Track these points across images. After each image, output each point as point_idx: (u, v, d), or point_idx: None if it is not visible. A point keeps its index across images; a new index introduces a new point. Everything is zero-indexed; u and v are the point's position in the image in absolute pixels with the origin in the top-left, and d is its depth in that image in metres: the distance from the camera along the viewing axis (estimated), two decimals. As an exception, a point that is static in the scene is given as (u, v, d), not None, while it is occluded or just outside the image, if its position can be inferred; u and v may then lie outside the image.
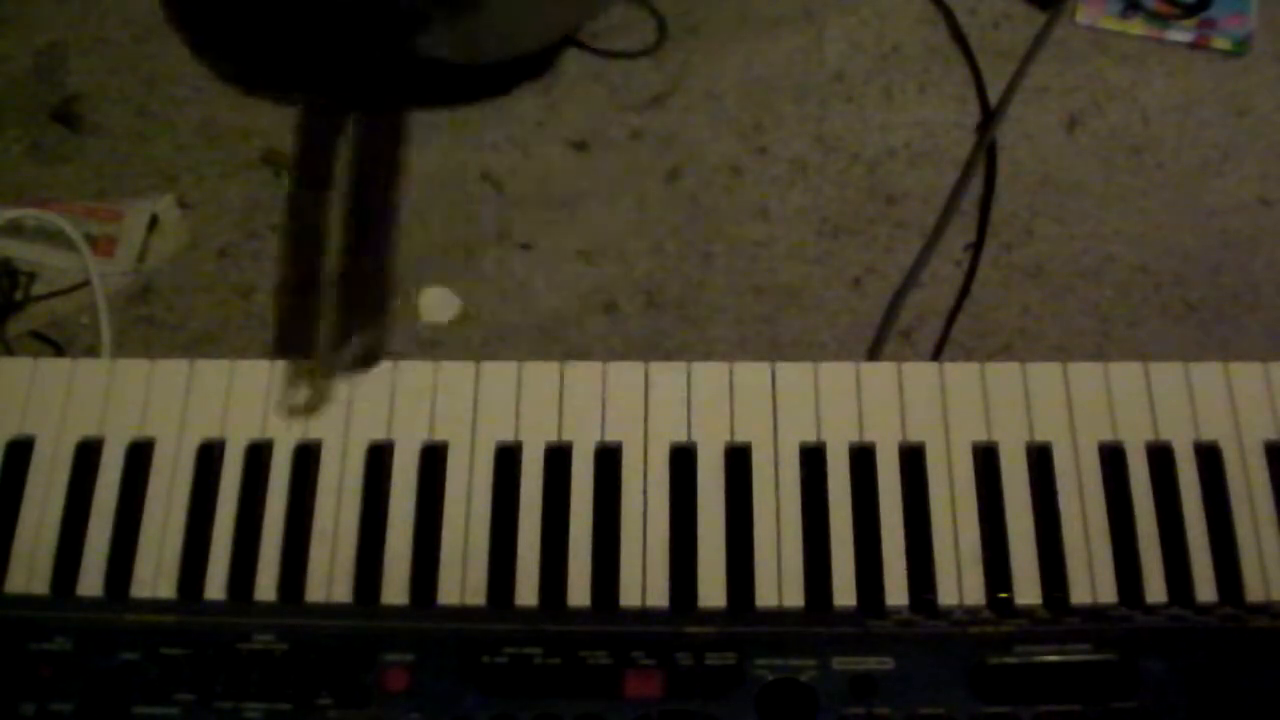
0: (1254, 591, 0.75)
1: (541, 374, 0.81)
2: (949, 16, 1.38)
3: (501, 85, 1.35)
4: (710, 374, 0.81)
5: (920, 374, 0.81)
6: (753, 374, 0.81)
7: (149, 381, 0.81)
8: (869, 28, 1.38)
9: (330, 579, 0.76)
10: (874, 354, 1.20)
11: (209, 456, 0.79)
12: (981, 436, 0.79)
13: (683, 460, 0.79)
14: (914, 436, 0.79)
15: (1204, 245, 1.25)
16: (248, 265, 1.27)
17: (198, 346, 1.23)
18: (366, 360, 0.81)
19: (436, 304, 1.26)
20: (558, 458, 0.79)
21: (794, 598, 0.75)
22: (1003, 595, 0.75)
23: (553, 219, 1.29)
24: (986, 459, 0.78)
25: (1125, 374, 0.81)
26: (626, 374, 0.81)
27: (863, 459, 0.78)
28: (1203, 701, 0.71)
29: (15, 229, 1.22)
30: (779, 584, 0.76)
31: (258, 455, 0.79)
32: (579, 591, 0.75)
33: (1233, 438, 0.79)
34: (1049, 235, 1.26)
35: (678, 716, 0.71)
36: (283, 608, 0.75)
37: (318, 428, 0.80)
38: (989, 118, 1.32)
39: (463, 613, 0.75)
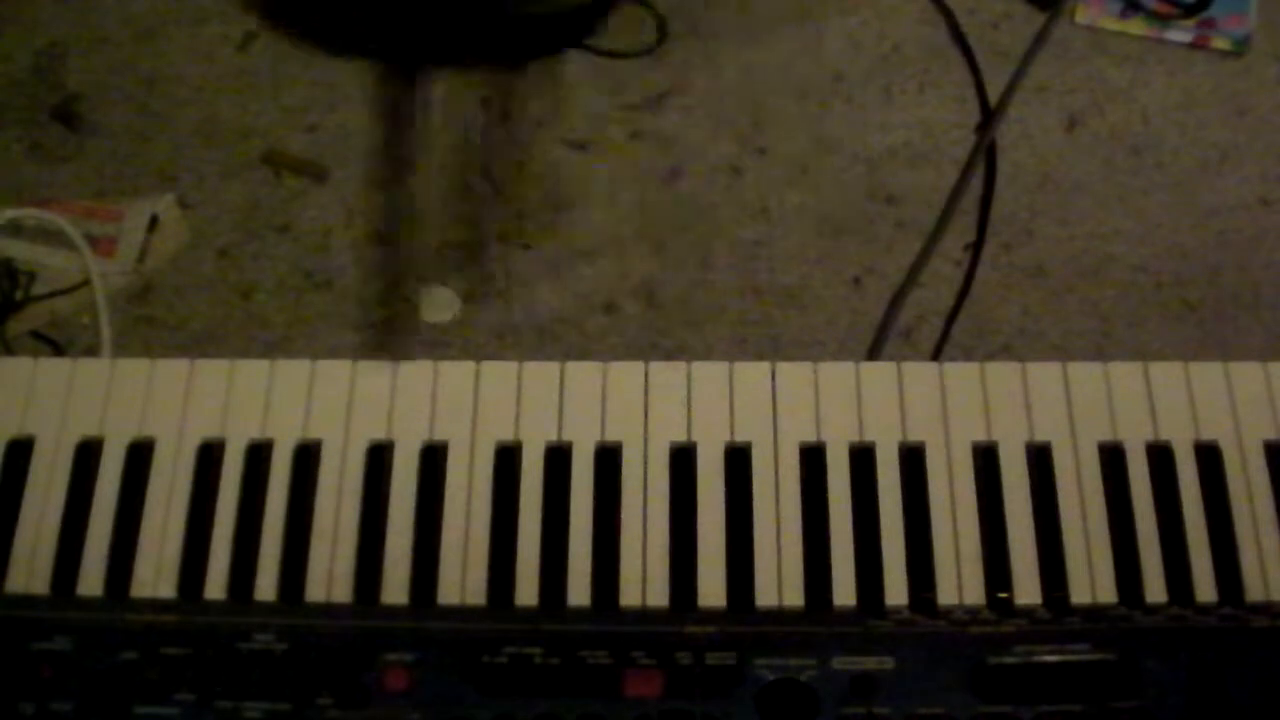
0: (1254, 591, 0.75)
1: (541, 374, 0.81)
2: (949, 16, 1.38)
3: (553, 42, 1.34)
4: (710, 374, 0.81)
5: (920, 374, 0.81)
6: (753, 374, 0.81)
7: (149, 381, 0.81)
8: (869, 28, 1.38)
9: (330, 579, 0.76)
10: (874, 354, 1.20)
11: (209, 456, 0.79)
12: (981, 436, 0.79)
13: (683, 460, 0.79)
14: (914, 436, 0.79)
15: (1204, 245, 1.26)
16: (248, 265, 1.27)
17: (198, 346, 1.23)
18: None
19: (436, 304, 1.26)
20: (558, 458, 0.79)
21: (794, 598, 0.75)
22: (1003, 595, 0.75)
23: (553, 219, 1.29)
24: (986, 459, 0.78)
25: (1125, 374, 0.81)
26: (626, 374, 0.81)
27: (863, 459, 0.78)
28: (1203, 701, 0.71)
29: (15, 229, 1.23)
30: (779, 584, 0.76)
31: (258, 455, 0.79)
32: (579, 591, 0.75)
33: (1233, 438, 0.79)
34: (1049, 235, 1.26)
35: (678, 716, 0.71)
36: (283, 608, 0.75)
37: (318, 427, 0.80)
38: (989, 118, 1.32)
39: (463, 613, 0.75)
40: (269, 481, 0.79)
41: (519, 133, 1.33)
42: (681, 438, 0.79)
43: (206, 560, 0.77)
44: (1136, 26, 1.37)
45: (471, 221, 1.29)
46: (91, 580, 0.76)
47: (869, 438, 0.79)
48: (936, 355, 1.20)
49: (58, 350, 1.23)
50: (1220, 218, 1.27)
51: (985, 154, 1.29)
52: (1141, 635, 0.73)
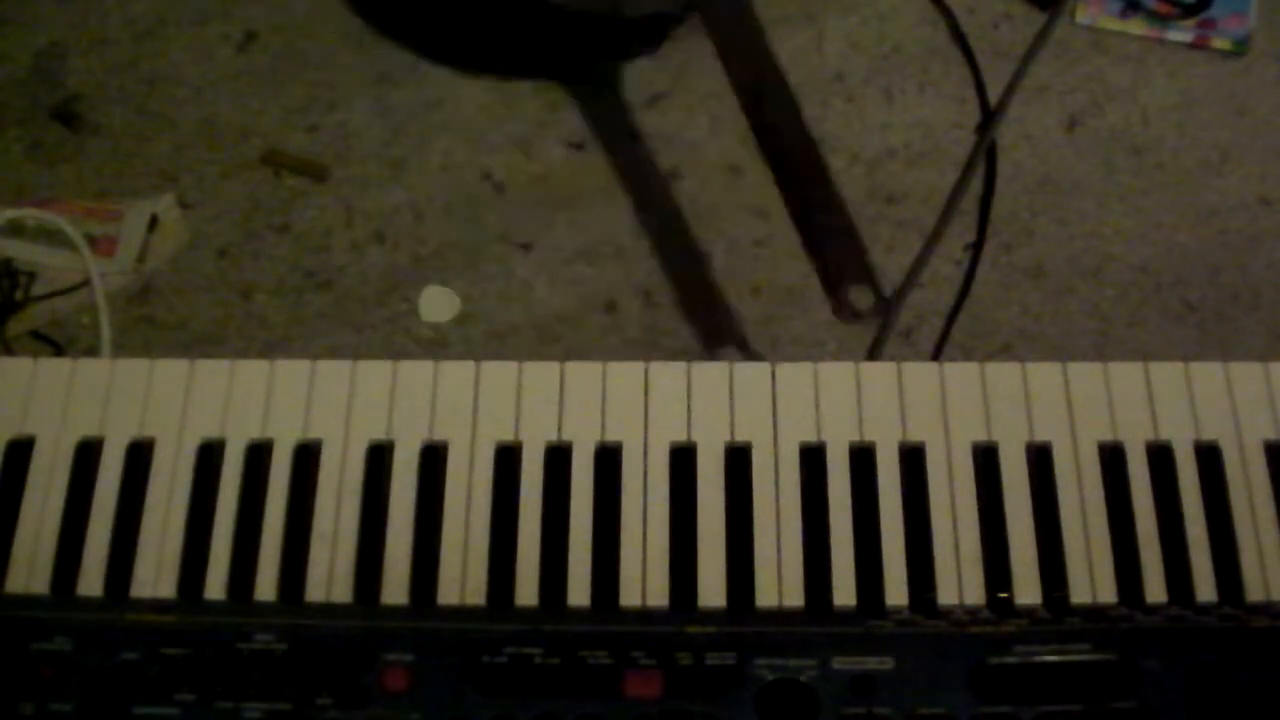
0: (1254, 591, 0.75)
1: (541, 374, 0.81)
2: (949, 16, 1.38)
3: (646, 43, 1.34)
4: (710, 374, 0.81)
5: (920, 374, 0.81)
6: (753, 374, 0.81)
7: (149, 381, 0.81)
8: (869, 28, 1.38)
9: (330, 579, 0.76)
10: (874, 354, 1.20)
11: (209, 456, 0.79)
12: (981, 436, 0.79)
13: (683, 460, 0.79)
14: (914, 436, 0.79)
15: (1204, 245, 1.26)
16: (248, 265, 1.27)
17: (198, 346, 1.23)
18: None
19: (436, 304, 1.26)
20: (558, 458, 0.79)
21: (794, 598, 0.75)
22: (1003, 595, 0.75)
23: (553, 219, 1.29)
24: (986, 459, 0.78)
25: (1125, 374, 0.81)
26: (626, 374, 0.81)
27: (863, 459, 0.78)
28: (1203, 701, 0.71)
29: (15, 229, 1.23)
30: (779, 584, 0.76)
31: (258, 455, 0.79)
32: (579, 591, 0.75)
33: (1233, 438, 0.79)
34: (1049, 235, 1.26)
35: (678, 716, 0.71)
36: (283, 608, 0.75)
37: (318, 427, 0.80)
38: (989, 118, 1.32)
39: (463, 613, 0.75)
40: (269, 481, 0.79)
41: (519, 133, 1.33)
42: (681, 438, 0.79)
43: (206, 560, 0.77)
44: (1136, 26, 1.37)
45: (471, 221, 1.29)
46: (91, 580, 0.76)
47: (869, 438, 0.79)
48: (936, 355, 1.20)
49: (58, 350, 1.23)
50: (1220, 218, 1.27)
51: (985, 154, 1.30)
52: (1141, 635, 0.73)
